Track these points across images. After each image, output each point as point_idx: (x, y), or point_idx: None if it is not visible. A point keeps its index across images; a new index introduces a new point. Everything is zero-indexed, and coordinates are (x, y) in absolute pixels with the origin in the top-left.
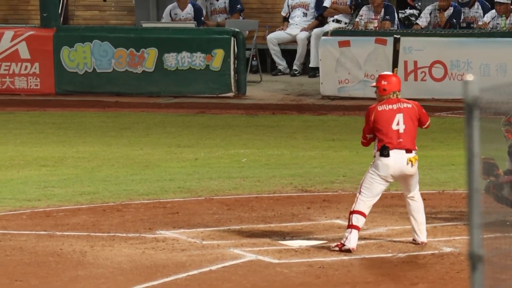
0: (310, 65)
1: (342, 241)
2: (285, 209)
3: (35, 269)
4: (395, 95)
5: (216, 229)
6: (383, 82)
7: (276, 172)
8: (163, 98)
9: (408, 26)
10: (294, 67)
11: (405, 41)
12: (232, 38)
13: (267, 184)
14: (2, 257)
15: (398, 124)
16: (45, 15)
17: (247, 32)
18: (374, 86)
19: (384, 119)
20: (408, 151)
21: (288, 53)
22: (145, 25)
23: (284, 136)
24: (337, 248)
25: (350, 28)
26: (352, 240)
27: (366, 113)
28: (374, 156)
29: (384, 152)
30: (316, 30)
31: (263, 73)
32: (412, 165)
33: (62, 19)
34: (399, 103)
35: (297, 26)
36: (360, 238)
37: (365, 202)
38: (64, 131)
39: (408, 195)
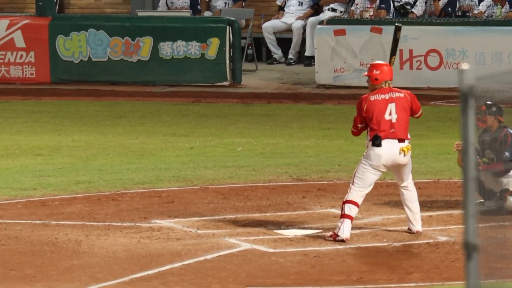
0: (306, 54)
1: (336, 231)
2: (280, 198)
3: (30, 258)
4: (387, 84)
5: (211, 218)
6: (374, 72)
7: (271, 161)
8: (159, 87)
9: (403, 15)
10: (290, 55)
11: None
12: (228, 27)
13: (262, 173)
14: None
15: (390, 114)
16: (40, 3)
17: (243, 21)
18: (366, 75)
19: (376, 109)
20: (401, 140)
21: (284, 42)
22: (140, 13)
23: (279, 125)
24: (331, 238)
25: (346, 17)
26: (345, 230)
27: (358, 102)
28: (367, 146)
29: (376, 141)
30: (311, 19)
31: (258, 62)
32: (404, 155)
33: (57, 7)
34: (391, 93)
35: (292, 15)
36: (355, 227)
37: (357, 192)
38: (59, 120)
39: (402, 185)
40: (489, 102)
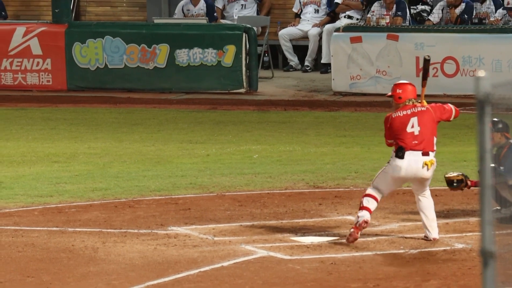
0: (322, 61)
1: (356, 224)
2: (297, 205)
3: (47, 265)
4: (410, 102)
5: (227, 225)
6: (398, 91)
7: (288, 168)
8: (175, 94)
9: (420, 22)
10: (306, 63)
11: (417, 37)
12: (244, 34)
13: (278, 180)
14: (14, 253)
15: (412, 126)
16: (57, 11)
17: (259, 28)
18: (389, 96)
19: (398, 124)
20: (425, 153)
21: (300, 49)
22: (156, 21)
23: (295, 132)
24: (352, 238)
25: (362, 24)
26: (365, 215)
27: (384, 121)
28: (391, 156)
29: (399, 153)
30: (327, 26)
31: (274, 69)
32: (428, 169)
33: (73, 15)
34: (414, 108)
35: (308, 22)
36: (372, 234)
37: (375, 191)
38: (76, 127)
39: (419, 194)
40: (495, 119)
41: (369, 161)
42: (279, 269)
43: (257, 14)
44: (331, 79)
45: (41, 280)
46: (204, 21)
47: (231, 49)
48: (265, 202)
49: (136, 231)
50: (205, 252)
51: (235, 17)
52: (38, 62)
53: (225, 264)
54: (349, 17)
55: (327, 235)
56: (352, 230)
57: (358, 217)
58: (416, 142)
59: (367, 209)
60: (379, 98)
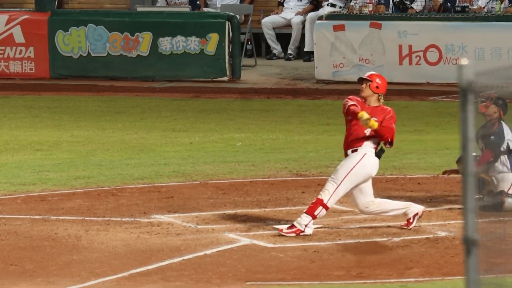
0: (305, 49)
1: (301, 229)
2: (280, 194)
3: (30, 254)
4: (380, 97)
5: (211, 213)
6: (377, 80)
7: (271, 157)
8: (158, 82)
9: (403, 10)
10: (289, 51)
11: (400, 25)
12: (227, 22)
13: (261, 168)
14: None
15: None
16: None
17: (242, 16)
18: (363, 80)
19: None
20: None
21: (283, 37)
22: (139, 9)
23: (278, 120)
24: (293, 234)
25: (345, 12)
26: (312, 228)
27: (394, 115)
28: (364, 154)
29: (381, 153)
30: (311, 14)
31: (257, 57)
32: None
33: (56, 3)
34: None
35: (291, 10)
36: (355, 222)
37: (338, 196)
38: (59, 115)
39: (369, 201)
40: (500, 96)
41: None
42: (262, 257)
43: (240, 2)
44: (314, 67)
45: (24, 269)
46: (187, 9)
47: (214, 37)
48: (248, 190)
49: (119, 219)
50: (188, 240)
51: (218, 5)
52: (21, 50)
53: (208, 252)
54: (332, 5)
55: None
56: (295, 229)
57: (305, 224)
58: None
59: (316, 217)
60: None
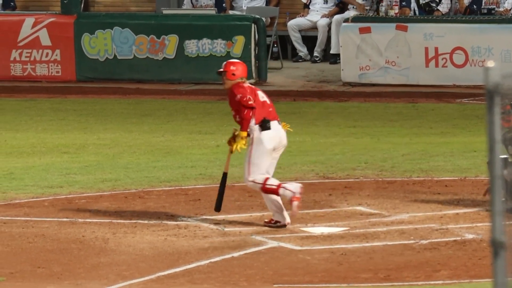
0: (331, 52)
1: (289, 195)
2: (307, 196)
3: (57, 256)
4: (243, 80)
5: (238, 216)
6: (232, 67)
7: (298, 159)
8: (184, 85)
9: (429, 13)
10: (315, 53)
11: (426, 28)
12: (253, 25)
13: (288, 171)
14: (25, 244)
15: (263, 97)
16: (65, 1)
17: (268, 18)
18: (220, 72)
19: (255, 94)
20: (278, 121)
21: (309, 40)
22: (165, 11)
23: (305, 123)
24: (295, 209)
25: (371, 14)
26: (292, 187)
27: (239, 90)
28: (251, 133)
29: (266, 124)
30: (336, 17)
31: (284, 59)
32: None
33: (82, 6)
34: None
35: (317, 13)
36: (382, 224)
37: (260, 173)
38: (85, 118)
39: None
40: None
41: (379, 151)
42: (289, 259)
43: (266, 4)
44: (340, 70)
45: (51, 271)
46: (213, 11)
47: (240, 40)
48: None
49: (146, 222)
50: (215, 242)
51: (244, 8)
52: (47, 53)
53: (236, 254)
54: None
55: (337, 226)
56: (295, 202)
57: (288, 191)
58: (271, 109)
59: (276, 189)
60: (388, 88)
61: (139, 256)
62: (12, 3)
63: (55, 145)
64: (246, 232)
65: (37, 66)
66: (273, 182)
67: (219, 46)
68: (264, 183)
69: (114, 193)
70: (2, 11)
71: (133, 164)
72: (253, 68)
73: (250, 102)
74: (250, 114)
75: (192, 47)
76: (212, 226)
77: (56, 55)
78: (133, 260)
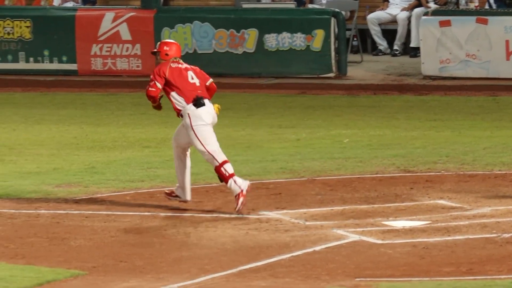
0: (411, 45)
1: (239, 190)
2: (388, 190)
3: (139, 250)
4: (177, 59)
5: (319, 209)
6: (165, 48)
7: (378, 153)
8: (264, 78)
9: (509, 6)
10: (395, 47)
11: (506, 21)
12: (332, 18)
13: (369, 164)
14: (107, 238)
15: (192, 78)
16: None
17: (348, 12)
18: (154, 52)
19: (178, 75)
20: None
21: (389, 33)
22: (245, 5)
23: (385, 117)
24: (241, 206)
25: (451, 7)
26: (241, 183)
27: (156, 71)
28: (182, 113)
29: (200, 101)
30: (416, 10)
31: (363, 53)
32: (217, 114)
33: (162, 0)
34: (182, 64)
35: (397, 6)
36: (464, 218)
37: (212, 149)
38: (166, 112)
39: (186, 151)
40: None
41: (460, 145)
42: (371, 253)
43: None
44: (421, 63)
45: (133, 265)
46: (292, 5)
47: (319, 34)
48: (356, 187)
49: (227, 215)
50: (296, 236)
51: (324, 1)
52: (127, 48)
53: (317, 248)
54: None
55: (419, 220)
56: (241, 199)
57: (237, 186)
58: (200, 91)
59: (233, 175)
60: (469, 81)
61: (221, 250)
62: None
63: (136, 139)
64: (327, 226)
65: (118, 60)
66: (228, 169)
67: (298, 40)
68: (221, 164)
69: (195, 187)
70: (83, 6)
71: None
72: (333, 62)
73: (151, 88)
74: (151, 92)
75: (272, 41)
76: (293, 220)
77: (137, 50)
78: (215, 254)
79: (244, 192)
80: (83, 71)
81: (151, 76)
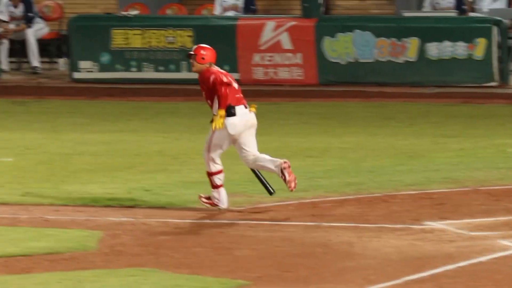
0: None
1: (215, 201)
2: None
3: (303, 260)
4: (212, 65)
5: (483, 220)
6: (202, 52)
7: None
8: (426, 87)
9: None
10: None
11: None
12: (494, 27)
13: None
14: (271, 248)
15: (235, 82)
16: (306, 5)
17: (510, 20)
18: (189, 55)
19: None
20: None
21: None
22: (406, 14)
23: None
24: (208, 205)
25: None
26: (223, 200)
27: (218, 77)
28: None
29: (232, 110)
30: None
31: None
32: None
33: (324, 9)
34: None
35: None
36: None
37: (214, 160)
38: (327, 121)
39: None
40: None
41: None
42: None
43: (508, 6)
44: None
45: (298, 275)
46: (454, 13)
47: (482, 42)
48: None
49: (391, 226)
50: (461, 247)
51: (485, 10)
52: (289, 57)
53: (483, 259)
54: None
55: None
56: (208, 201)
57: (216, 199)
58: (238, 95)
59: (221, 186)
60: None
61: (385, 260)
62: (252, 7)
63: (299, 148)
64: (493, 237)
65: (279, 69)
66: (219, 179)
67: (460, 48)
68: (214, 172)
69: (358, 197)
70: (244, 15)
71: (377, 168)
72: (495, 70)
73: (224, 80)
74: (227, 90)
75: (433, 49)
76: (457, 230)
77: (298, 59)
78: (379, 264)
79: (219, 208)
80: (245, 80)
81: (212, 78)
